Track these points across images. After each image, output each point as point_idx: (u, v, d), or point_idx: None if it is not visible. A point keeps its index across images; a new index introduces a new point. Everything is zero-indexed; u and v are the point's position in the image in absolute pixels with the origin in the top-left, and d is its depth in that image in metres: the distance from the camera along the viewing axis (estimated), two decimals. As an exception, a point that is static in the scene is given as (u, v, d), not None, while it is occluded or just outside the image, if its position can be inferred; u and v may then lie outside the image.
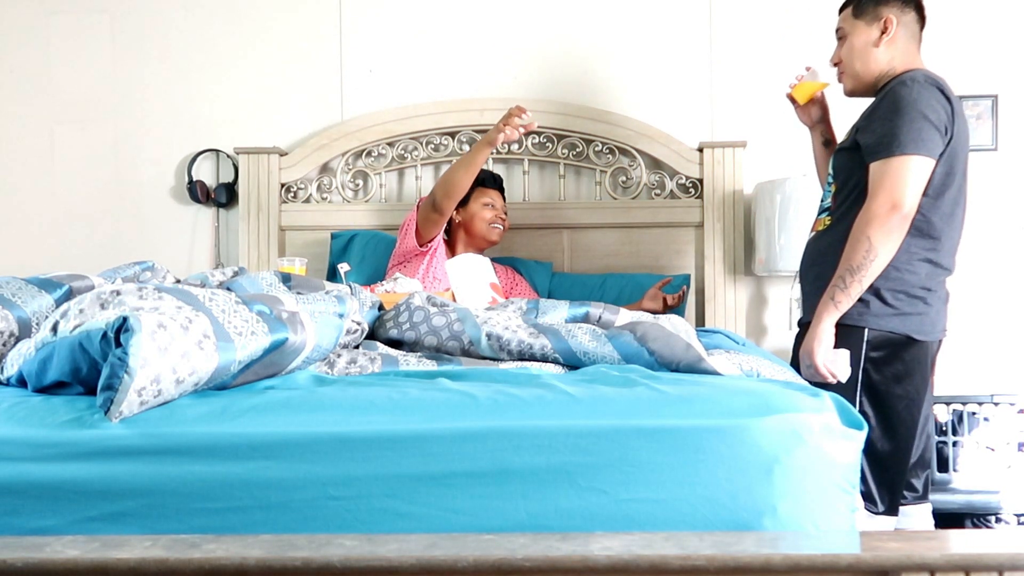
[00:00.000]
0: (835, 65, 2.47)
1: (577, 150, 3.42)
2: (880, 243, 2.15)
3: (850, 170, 2.31)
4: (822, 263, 2.31)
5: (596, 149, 3.41)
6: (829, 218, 2.37)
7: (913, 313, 2.23)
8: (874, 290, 2.21)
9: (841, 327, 2.21)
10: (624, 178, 3.42)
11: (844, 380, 2.19)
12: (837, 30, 2.44)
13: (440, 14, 3.51)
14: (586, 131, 3.39)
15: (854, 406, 2.18)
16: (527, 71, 3.49)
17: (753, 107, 3.43)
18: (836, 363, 2.18)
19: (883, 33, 2.34)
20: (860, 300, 2.21)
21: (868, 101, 2.38)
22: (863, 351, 2.22)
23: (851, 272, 2.17)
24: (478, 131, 3.43)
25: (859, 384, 2.22)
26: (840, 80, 2.46)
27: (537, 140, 3.43)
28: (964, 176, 2.29)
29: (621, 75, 3.47)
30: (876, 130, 2.23)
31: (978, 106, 3.33)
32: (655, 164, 3.43)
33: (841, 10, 2.45)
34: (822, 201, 2.46)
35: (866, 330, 2.22)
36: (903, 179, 2.16)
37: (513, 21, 3.50)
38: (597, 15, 3.48)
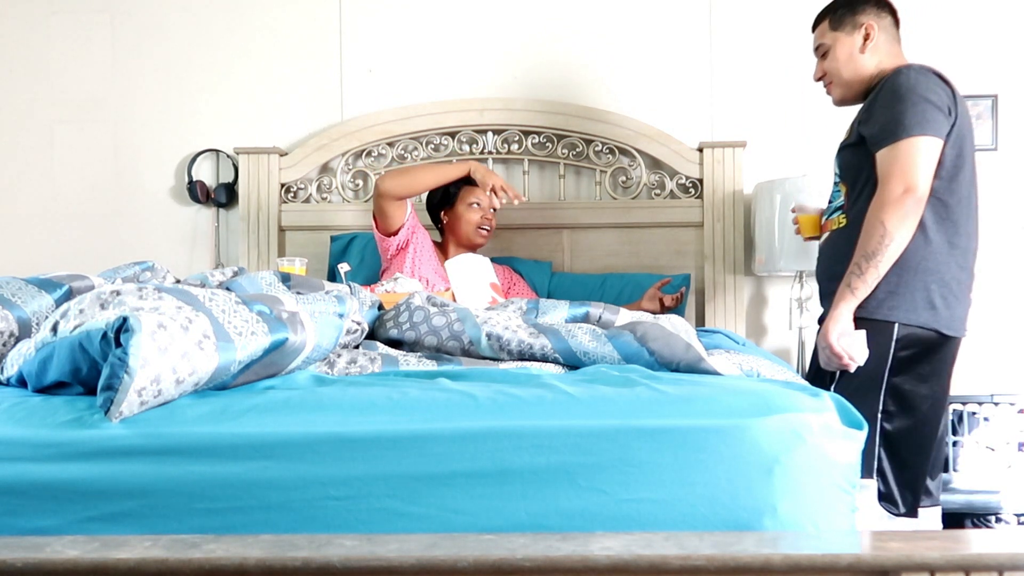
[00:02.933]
0: (819, 80, 2.46)
1: (577, 150, 3.42)
2: (895, 227, 2.12)
3: (859, 167, 2.29)
4: (843, 261, 2.26)
5: (596, 149, 3.41)
6: (844, 217, 2.34)
7: (942, 308, 2.19)
8: (906, 282, 2.17)
9: (870, 322, 2.17)
10: (624, 178, 3.42)
11: (861, 363, 2.15)
12: (817, 47, 2.44)
13: (440, 14, 3.51)
14: (586, 131, 3.39)
15: (878, 406, 2.15)
16: (527, 71, 3.49)
17: (753, 107, 3.43)
18: (853, 345, 2.14)
19: (866, 40, 2.34)
20: (890, 293, 2.17)
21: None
22: (892, 349, 2.18)
23: (867, 258, 2.14)
24: (478, 131, 3.43)
25: (884, 384, 2.18)
26: (828, 92, 2.46)
27: (537, 140, 3.43)
28: (974, 161, 2.27)
29: (621, 75, 3.47)
30: (879, 119, 2.21)
31: (978, 106, 3.33)
32: (655, 164, 3.43)
33: (815, 27, 2.45)
34: (831, 202, 2.44)
35: (896, 325, 2.17)
36: (914, 161, 2.13)
37: (513, 21, 3.50)
38: (597, 15, 3.48)
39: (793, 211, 2.64)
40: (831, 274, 2.34)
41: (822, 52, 2.43)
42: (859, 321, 2.20)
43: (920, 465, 2.21)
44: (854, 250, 2.21)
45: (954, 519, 2.90)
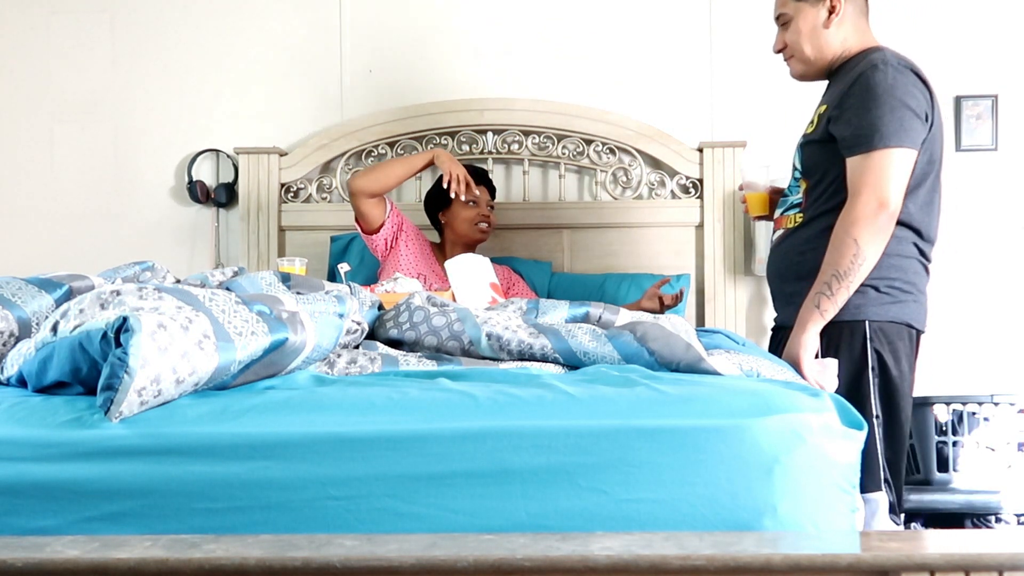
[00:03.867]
0: (778, 52, 2.34)
1: (577, 150, 3.42)
2: (867, 245, 2.03)
3: (826, 166, 2.18)
4: (798, 262, 2.19)
5: (596, 149, 3.41)
6: (800, 215, 2.24)
7: (909, 301, 2.14)
8: (869, 281, 2.10)
9: (839, 324, 2.11)
10: (624, 178, 3.42)
11: (832, 391, 2.08)
12: (778, 16, 2.30)
13: (440, 14, 3.51)
14: (586, 131, 3.39)
15: (869, 409, 2.09)
16: (527, 71, 3.49)
17: (753, 107, 3.43)
18: (824, 374, 2.08)
19: (832, 13, 2.20)
20: (854, 293, 2.09)
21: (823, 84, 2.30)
22: (868, 347, 2.11)
23: (838, 278, 2.05)
24: (478, 131, 3.43)
25: (872, 384, 2.11)
26: (788, 63, 2.33)
27: (537, 140, 3.43)
28: (940, 163, 2.18)
29: (621, 75, 3.47)
30: (852, 121, 2.09)
31: (978, 106, 3.33)
32: (655, 164, 3.43)
33: None
34: (787, 195, 2.34)
35: (867, 323, 2.11)
36: (887, 174, 2.03)
37: (513, 21, 3.50)
38: (597, 15, 3.48)
39: (741, 189, 2.53)
40: (784, 275, 2.26)
41: (783, 22, 2.28)
42: (828, 325, 2.13)
43: (900, 468, 2.15)
44: (811, 251, 2.14)
45: (954, 519, 2.90)
